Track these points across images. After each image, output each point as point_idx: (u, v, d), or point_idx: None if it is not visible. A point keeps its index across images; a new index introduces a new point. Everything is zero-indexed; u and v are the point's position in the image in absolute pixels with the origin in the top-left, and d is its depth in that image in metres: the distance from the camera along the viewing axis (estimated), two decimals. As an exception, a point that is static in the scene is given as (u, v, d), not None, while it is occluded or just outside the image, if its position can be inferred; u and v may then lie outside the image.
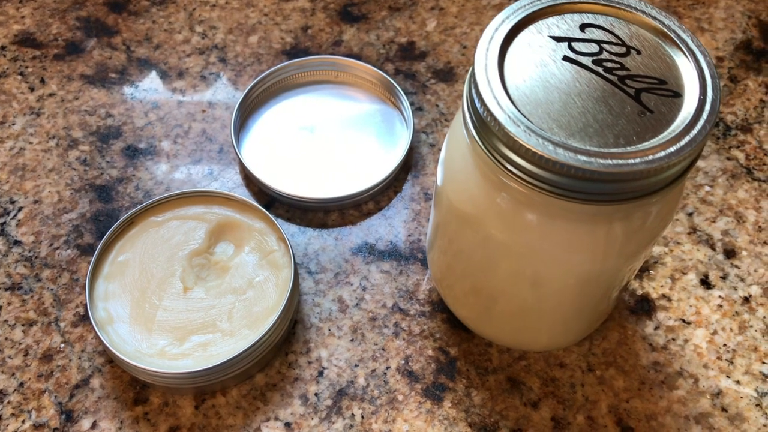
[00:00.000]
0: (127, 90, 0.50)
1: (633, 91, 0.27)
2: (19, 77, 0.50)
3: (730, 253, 0.43)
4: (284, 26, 0.53)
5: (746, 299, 0.41)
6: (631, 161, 0.25)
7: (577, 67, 0.28)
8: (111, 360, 0.38)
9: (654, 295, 0.41)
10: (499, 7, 0.55)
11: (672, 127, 0.26)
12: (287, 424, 0.37)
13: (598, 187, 0.26)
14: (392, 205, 0.45)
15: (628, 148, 0.25)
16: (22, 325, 0.40)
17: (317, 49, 0.52)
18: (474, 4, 0.55)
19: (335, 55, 0.51)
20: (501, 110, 0.26)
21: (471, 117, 0.28)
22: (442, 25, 0.53)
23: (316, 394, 0.37)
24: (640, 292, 0.41)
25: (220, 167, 0.46)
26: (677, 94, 0.27)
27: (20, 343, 0.39)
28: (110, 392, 0.37)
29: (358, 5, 0.55)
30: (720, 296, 0.41)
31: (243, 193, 0.45)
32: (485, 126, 0.27)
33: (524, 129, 0.26)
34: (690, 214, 0.44)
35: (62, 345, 0.39)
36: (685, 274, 0.42)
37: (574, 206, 0.27)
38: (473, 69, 0.27)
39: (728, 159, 0.47)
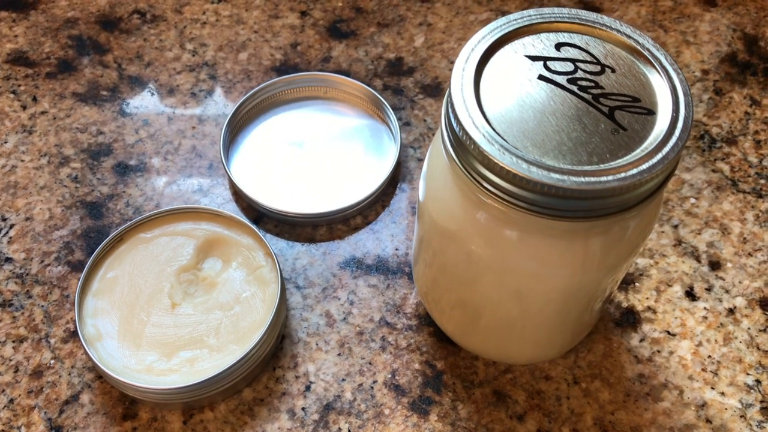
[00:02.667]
0: (118, 107, 0.50)
1: (607, 109, 0.28)
2: (12, 95, 0.51)
3: (715, 265, 0.43)
4: (274, 43, 0.54)
5: (731, 311, 0.41)
6: (604, 179, 0.25)
7: (552, 86, 0.28)
8: (100, 376, 0.39)
9: (639, 308, 0.41)
10: (486, 23, 0.55)
11: (645, 145, 0.26)
12: (274, 439, 0.37)
13: (572, 204, 0.26)
14: (380, 219, 0.45)
15: (602, 166, 0.26)
16: (13, 341, 0.40)
17: (306, 65, 0.53)
18: (461, 19, 0.55)
19: (324, 72, 0.51)
20: (476, 129, 0.26)
21: (448, 136, 0.28)
22: (429, 40, 0.54)
23: (303, 409, 0.38)
24: (625, 304, 0.41)
25: (210, 183, 0.46)
26: (651, 112, 0.27)
27: (10, 360, 0.39)
28: (99, 408, 0.38)
29: (346, 22, 0.55)
30: (705, 308, 0.41)
31: (232, 209, 0.45)
32: (462, 145, 0.27)
33: (498, 148, 0.26)
34: (675, 227, 0.44)
35: (52, 361, 0.39)
36: (670, 286, 0.42)
37: (551, 223, 0.27)
38: (449, 89, 0.28)
39: (713, 171, 0.47)
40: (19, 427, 0.37)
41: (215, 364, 0.37)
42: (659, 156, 0.26)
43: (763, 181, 0.46)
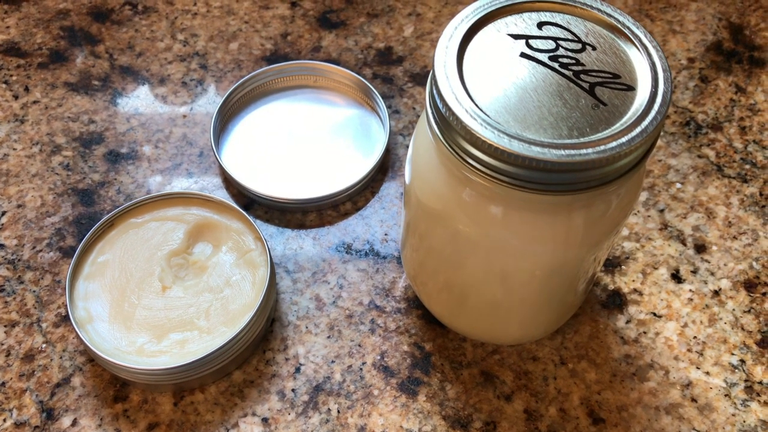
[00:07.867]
0: (110, 97, 0.51)
1: (588, 85, 0.28)
2: (4, 85, 0.51)
3: (701, 248, 0.43)
4: (264, 33, 0.54)
5: (716, 293, 0.42)
6: (584, 151, 0.26)
7: (534, 63, 0.29)
8: (92, 359, 0.39)
9: (625, 290, 0.42)
10: (476, 13, 0.56)
11: (624, 119, 0.27)
12: (264, 420, 0.37)
13: (554, 178, 0.27)
14: (369, 205, 0.45)
15: (582, 139, 0.26)
16: (5, 326, 0.40)
17: (297, 55, 0.53)
18: (450, 9, 0.56)
19: (314, 61, 0.52)
20: (459, 105, 0.27)
21: (433, 114, 0.29)
22: (419, 30, 0.55)
23: (293, 390, 0.38)
24: (611, 286, 0.42)
25: (201, 170, 0.47)
26: (630, 88, 0.28)
27: (2, 344, 0.40)
28: (90, 390, 0.38)
29: (336, 12, 0.56)
30: (690, 290, 0.42)
31: (223, 196, 0.46)
32: (446, 122, 0.28)
33: (481, 122, 0.26)
34: (661, 211, 0.45)
35: (44, 345, 0.40)
36: (656, 268, 0.43)
37: (534, 197, 0.28)
38: (433, 66, 0.28)
39: (699, 157, 0.48)
40: (10, 410, 0.37)
41: (205, 346, 0.37)
42: (638, 129, 0.26)
43: (747, 167, 0.47)
